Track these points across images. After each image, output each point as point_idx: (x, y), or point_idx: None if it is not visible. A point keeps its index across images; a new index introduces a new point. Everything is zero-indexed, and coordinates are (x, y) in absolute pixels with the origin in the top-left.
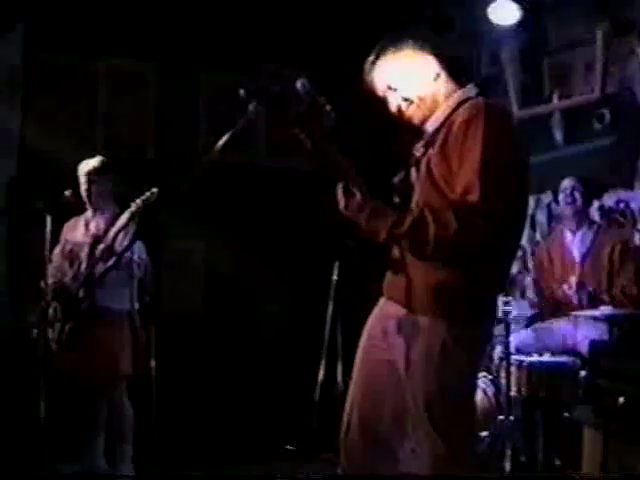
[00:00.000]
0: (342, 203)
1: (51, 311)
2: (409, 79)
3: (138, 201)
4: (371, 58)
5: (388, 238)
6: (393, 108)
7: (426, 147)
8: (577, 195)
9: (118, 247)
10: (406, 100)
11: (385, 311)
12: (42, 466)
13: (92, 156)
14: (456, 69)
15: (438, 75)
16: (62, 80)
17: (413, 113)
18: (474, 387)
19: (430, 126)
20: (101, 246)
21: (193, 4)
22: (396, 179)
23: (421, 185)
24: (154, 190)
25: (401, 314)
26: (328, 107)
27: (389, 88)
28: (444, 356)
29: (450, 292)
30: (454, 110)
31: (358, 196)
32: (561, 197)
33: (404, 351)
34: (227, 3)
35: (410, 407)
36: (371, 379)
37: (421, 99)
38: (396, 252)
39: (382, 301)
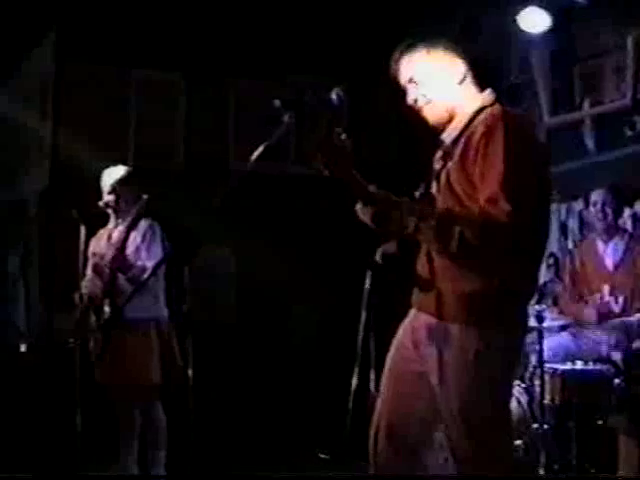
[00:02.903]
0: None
1: (88, 322)
2: (434, 78)
3: (133, 211)
4: (402, 47)
5: (415, 231)
6: (411, 101)
7: (444, 159)
8: (608, 210)
9: (136, 258)
10: (425, 97)
11: (415, 323)
12: (77, 473)
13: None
14: (481, 74)
15: (463, 80)
16: (93, 90)
17: (430, 112)
18: (509, 393)
19: (448, 136)
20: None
21: (223, 15)
22: (417, 193)
23: (442, 199)
24: (144, 197)
25: (432, 324)
26: (344, 135)
27: (411, 80)
28: (478, 363)
29: (481, 299)
30: (472, 119)
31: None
32: (592, 211)
33: (437, 360)
34: (255, 13)
35: (444, 416)
36: (400, 389)
37: (441, 100)
38: (423, 263)
39: (412, 313)
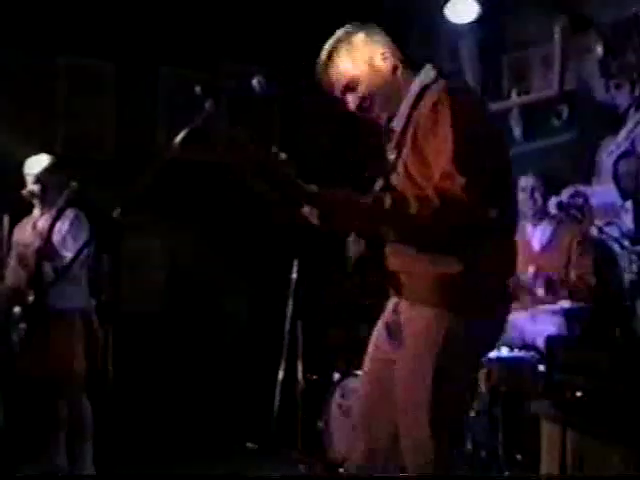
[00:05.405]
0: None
1: (12, 313)
2: (367, 77)
3: (60, 201)
4: (323, 58)
5: (371, 218)
6: (353, 107)
7: (398, 147)
8: (537, 195)
9: (62, 248)
10: (366, 99)
11: (391, 309)
12: (4, 467)
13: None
14: (409, 57)
15: (396, 67)
16: (20, 78)
17: (378, 110)
18: (475, 378)
19: (397, 124)
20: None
21: (152, 2)
22: (377, 187)
23: (403, 188)
24: (74, 184)
25: (405, 309)
26: (283, 155)
27: (347, 88)
28: (449, 347)
29: (451, 282)
30: (416, 102)
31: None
32: (521, 197)
33: (408, 345)
34: (186, 1)
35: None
36: (378, 383)
37: (383, 95)
38: (391, 255)
39: (391, 301)
